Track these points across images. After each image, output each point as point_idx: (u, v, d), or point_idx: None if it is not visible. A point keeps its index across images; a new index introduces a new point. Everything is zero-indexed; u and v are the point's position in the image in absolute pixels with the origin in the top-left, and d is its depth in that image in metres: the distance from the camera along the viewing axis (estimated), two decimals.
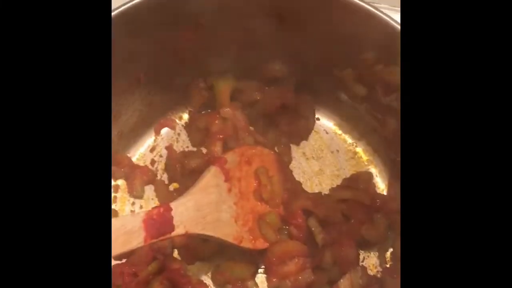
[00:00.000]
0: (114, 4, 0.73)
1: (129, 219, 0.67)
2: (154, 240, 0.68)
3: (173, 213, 0.71)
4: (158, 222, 0.68)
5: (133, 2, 0.74)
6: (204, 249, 0.86)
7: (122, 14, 0.74)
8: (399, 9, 1.08)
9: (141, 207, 0.93)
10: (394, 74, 0.78)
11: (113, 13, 0.73)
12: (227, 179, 0.82)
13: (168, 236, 0.70)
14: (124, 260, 0.85)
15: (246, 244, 0.81)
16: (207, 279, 0.86)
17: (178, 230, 0.71)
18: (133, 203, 0.93)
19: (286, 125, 0.96)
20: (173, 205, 0.72)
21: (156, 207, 0.71)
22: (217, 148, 0.91)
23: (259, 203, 0.86)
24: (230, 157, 0.84)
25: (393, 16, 0.76)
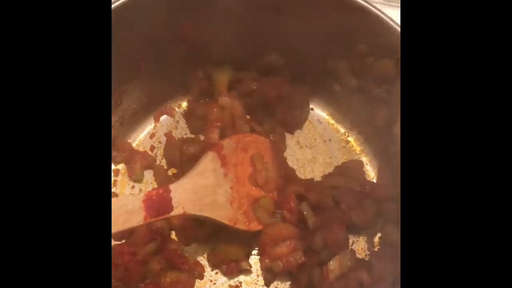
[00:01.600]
0: None
1: (130, 199, 0.70)
2: (154, 219, 0.72)
3: (172, 194, 0.75)
4: (157, 203, 0.72)
5: None
6: (200, 231, 0.90)
7: (126, 3, 0.77)
8: (392, 4, 1.12)
9: (140, 190, 0.96)
10: (384, 67, 0.82)
11: (117, 2, 0.76)
12: (224, 164, 0.86)
13: (167, 215, 0.74)
14: (123, 241, 0.89)
15: (241, 225, 0.85)
16: (203, 260, 0.90)
17: (176, 211, 0.75)
18: (132, 187, 0.96)
19: (281, 114, 0.99)
20: (172, 187, 0.76)
21: (155, 188, 0.75)
22: (215, 135, 0.94)
23: (254, 188, 0.89)
24: (227, 143, 0.87)
25: (386, 11, 0.79)
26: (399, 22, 0.77)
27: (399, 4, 1.11)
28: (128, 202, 0.70)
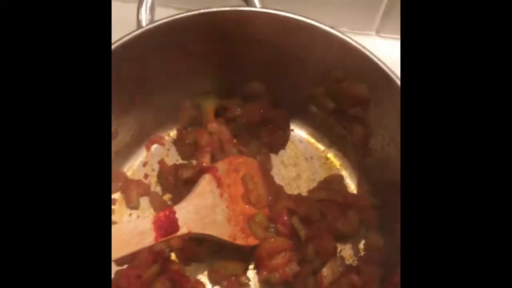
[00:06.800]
0: (115, 36, 0.83)
1: (141, 221, 0.76)
2: (163, 239, 0.77)
3: (177, 215, 0.81)
4: (166, 223, 0.78)
5: (132, 35, 0.83)
6: (198, 251, 0.95)
7: (122, 45, 0.82)
8: (357, 31, 1.23)
9: (137, 217, 1.01)
10: (357, 90, 0.92)
11: (115, 44, 0.82)
12: (219, 185, 0.92)
13: (174, 235, 0.79)
14: (125, 266, 0.93)
15: (240, 241, 0.91)
16: (203, 278, 0.95)
17: (182, 230, 0.80)
18: (130, 214, 1.01)
19: (266, 136, 1.07)
20: (176, 208, 0.82)
21: (162, 211, 0.81)
22: (206, 159, 1.01)
23: (247, 206, 0.96)
24: (220, 165, 0.94)
25: (356, 38, 0.87)
26: (370, 48, 0.87)
27: (371, 32, 1.23)
28: (139, 225, 0.75)
